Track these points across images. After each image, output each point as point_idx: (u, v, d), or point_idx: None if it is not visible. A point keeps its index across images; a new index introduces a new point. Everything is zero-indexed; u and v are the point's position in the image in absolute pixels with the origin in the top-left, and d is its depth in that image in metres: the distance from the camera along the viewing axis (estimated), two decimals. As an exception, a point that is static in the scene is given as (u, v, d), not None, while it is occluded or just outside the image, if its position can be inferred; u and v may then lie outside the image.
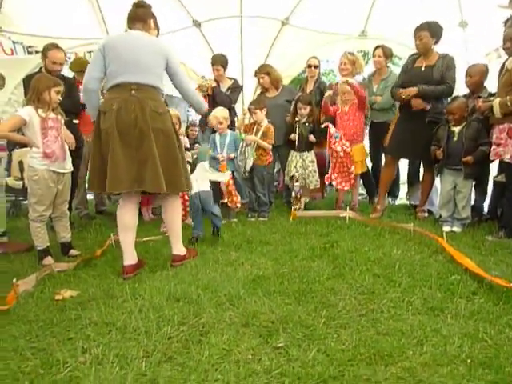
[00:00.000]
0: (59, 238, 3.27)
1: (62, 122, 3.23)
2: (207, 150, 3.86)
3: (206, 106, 3.30)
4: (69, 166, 3.23)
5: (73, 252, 3.27)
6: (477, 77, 3.71)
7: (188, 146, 4.30)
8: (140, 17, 2.78)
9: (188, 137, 6.17)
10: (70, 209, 3.79)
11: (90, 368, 1.63)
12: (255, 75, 4.85)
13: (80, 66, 4.39)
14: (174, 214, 2.87)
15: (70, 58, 5.10)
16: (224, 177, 3.81)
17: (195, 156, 5.85)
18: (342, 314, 2.02)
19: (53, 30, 5.06)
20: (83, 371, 1.61)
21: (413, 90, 3.79)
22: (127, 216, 2.77)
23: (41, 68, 4.01)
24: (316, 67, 4.98)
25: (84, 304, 2.24)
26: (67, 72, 4.51)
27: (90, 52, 5.63)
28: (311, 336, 1.82)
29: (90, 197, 5.01)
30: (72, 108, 3.93)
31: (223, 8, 5.77)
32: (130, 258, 2.74)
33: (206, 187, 3.43)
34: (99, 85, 2.79)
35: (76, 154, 3.80)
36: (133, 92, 2.61)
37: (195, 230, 3.48)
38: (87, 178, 2.82)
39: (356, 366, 1.59)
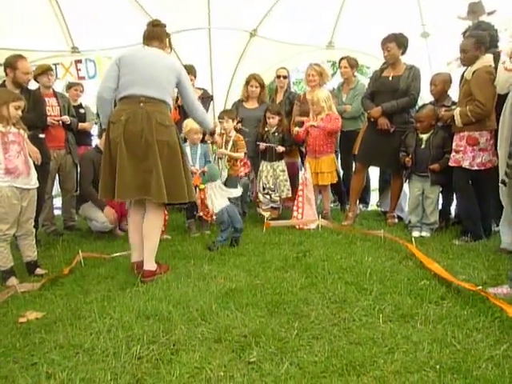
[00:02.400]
0: (24, 258, 3.14)
1: (25, 136, 3.12)
2: (217, 169, 3.82)
3: (212, 124, 3.39)
4: (34, 182, 3.12)
5: (39, 271, 3.14)
6: (440, 86, 3.84)
7: None
8: (157, 35, 2.94)
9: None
10: (36, 226, 3.67)
11: (54, 395, 1.56)
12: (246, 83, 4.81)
13: (41, 67, 4.31)
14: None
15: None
16: (238, 192, 3.83)
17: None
18: (314, 325, 2.03)
19: (15, 42, 4.91)
20: (47, 399, 1.54)
21: (378, 111, 3.91)
22: (137, 222, 2.92)
23: (4, 81, 3.87)
24: (285, 77, 5.04)
25: (49, 326, 2.15)
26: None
27: (55, 65, 5.51)
28: (284, 349, 1.81)
29: (57, 212, 4.86)
30: (37, 122, 3.81)
31: (191, 19, 5.76)
32: (137, 255, 2.92)
33: (227, 202, 3.58)
34: (112, 95, 2.88)
35: (42, 169, 3.69)
36: (141, 104, 2.73)
37: (221, 240, 3.51)
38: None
39: (328, 378, 1.59)
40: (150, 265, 2.84)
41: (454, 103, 3.83)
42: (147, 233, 2.86)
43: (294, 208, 4.23)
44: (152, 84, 2.78)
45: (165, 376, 1.65)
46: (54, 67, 5.35)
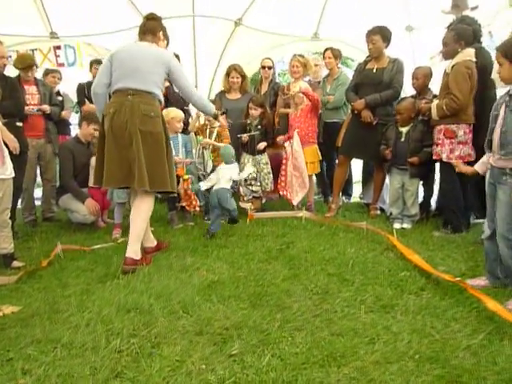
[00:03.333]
0: (0, 250, 3.05)
1: (0, 124, 3.02)
2: (232, 152, 3.81)
3: (212, 108, 3.36)
4: (9, 172, 3.03)
5: (16, 263, 3.06)
6: (421, 79, 3.87)
7: None
8: (150, 29, 3.02)
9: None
10: (13, 217, 3.56)
11: (30, 391, 1.53)
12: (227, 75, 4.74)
13: (24, 62, 4.15)
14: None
15: (10, 57, 4.81)
16: (249, 170, 3.95)
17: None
18: (296, 316, 2.03)
19: (-10, 27, 4.73)
20: (22, 395, 1.51)
21: (361, 103, 3.92)
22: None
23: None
24: (270, 68, 5.00)
25: (26, 320, 2.10)
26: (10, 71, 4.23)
27: (32, 50, 5.33)
28: (266, 341, 1.81)
29: (37, 203, 4.74)
30: (14, 110, 3.68)
31: (175, 7, 5.63)
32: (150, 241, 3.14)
33: (226, 185, 3.61)
34: (106, 89, 3.01)
35: (20, 159, 3.58)
36: (129, 97, 2.83)
37: (212, 225, 3.54)
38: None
39: (309, 369, 1.59)
40: (132, 252, 2.84)
41: (435, 96, 3.86)
42: (133, 219, 2.95)
43: (282, 184, 4.25)
44: (138, 76, 2.86)
45: (145, 369, 1.63)
46: (31, 52, 5.20)
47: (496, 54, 2.23)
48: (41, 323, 2.04)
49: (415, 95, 4.00)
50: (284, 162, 4.23)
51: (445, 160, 3.35)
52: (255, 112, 4.34)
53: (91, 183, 3.08)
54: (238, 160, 4.48)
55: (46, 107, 4.29)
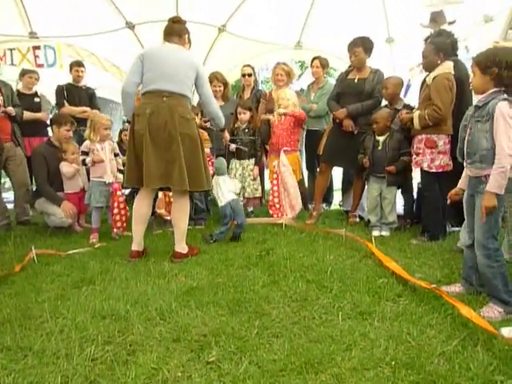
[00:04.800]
0: (-29, 254, 2.95)
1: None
2: (224, 163, 3.83)
3: (223, 121, 3.47)
4: None
5: (-13, 268, 2.96)
6: (391, 89, 3.93)
7: (117, 151, 4.10)
8: (176, 32, 3.11)
9: (122, 141, 5.92)
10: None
11: (-2, 400, 1.47)
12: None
13: None
14: (182, 214, 3.12)
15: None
16: (238, 186, 3.94)
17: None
18: (275, 323, 2.02)
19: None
20: (-10, 405, 1.45)
21: (342, 112, 3.98)
22: (144, 208, 3.13)
23: None
24: (250, 75, 5.04)
25: (-4, 327, 2.02)
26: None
27: (10, 50, 5.22)
28: (244, 348, 1.79)
29: (10, 206, 4.60)
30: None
31: (158, 11, 5.61)
32: (137, 245, 3.12)
33: (234, 196, 3.68)
34: (136, 89, 3.08)
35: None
36: (164, 99, 2.91)
37: (219, 234, 3.57)
38: (125, 172, 3.15)
39: (287, 377, 1.59)
40: (180, 247, 3.09)
41: (405, 106, 3.95)
42: (175, 219, 3.13)
43: (270, 203, 4.26)
44: (173, 79, 2.95)
45: (120, 378, 1.59)
46: (9, 52, 5.08)
47: (471, 64, 2.30)
48: (12, 330, 1.97)
49: (386, 105, 4.08)
50: (275, 183, 4.23)
51: (425, 169, 3.42)
52: (244, 116, 4.37)
53: (125, 184, 3.19)
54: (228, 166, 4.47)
55: (11, 109, 4.18)
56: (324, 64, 5.03)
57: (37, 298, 2.38)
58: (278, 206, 4.25)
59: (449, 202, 2.53)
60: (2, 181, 4.79)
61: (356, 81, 4.09)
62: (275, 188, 4.24)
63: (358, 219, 4.36)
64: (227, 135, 4.03)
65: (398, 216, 4.02)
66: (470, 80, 2.42)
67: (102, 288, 2.51)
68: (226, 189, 3.65)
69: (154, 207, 3.96)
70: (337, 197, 5.44)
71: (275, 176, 4.23)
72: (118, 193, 3.71)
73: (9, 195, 5.21)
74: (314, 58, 5.08)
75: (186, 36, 3.19)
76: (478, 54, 2.25)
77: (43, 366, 1.68)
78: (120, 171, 3.99)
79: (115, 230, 3.74)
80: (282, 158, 4.19)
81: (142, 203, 3.12)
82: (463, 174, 2.40)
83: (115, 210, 3.70)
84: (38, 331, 1.96)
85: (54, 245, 3.54)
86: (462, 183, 2.40)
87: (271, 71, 5.02)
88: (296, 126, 4.43)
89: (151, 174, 2.91)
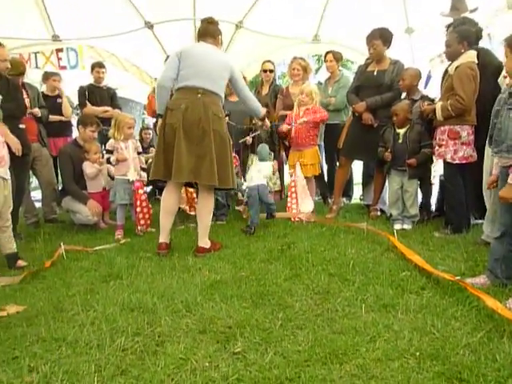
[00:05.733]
0: (5, 250, 3.07)
1: (4, 126, 3.05)
2: (267, 150, 4.05)
3: (263, 111, 3.61)
4: (8, 172, 3.05)
5: (20, 263, 3.08)
6: (408, 80, 3.85)
7: (141, 149, 4.19)
8: (211, 33, 3.21)
9: (142, 140, 6.03)
10: (15, 219, 3.59)
11: (36, 388, 1.55)
12: None
13: (17, 69, 4.12)
14: (206, 209, 3.19)
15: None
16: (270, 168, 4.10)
17: (150, 160, 5.73)
18: (298, 315, 2.05)
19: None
20: (29, 391, 1.53)
21: (362, 105, 3.95)
22: (171, 201, 3.19)
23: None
24: (271, 71, 5.05)
25: (31, 319, 2.12)
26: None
27: (35, 53, 5.37)
28: (268, 339, 1.83)
29: (38, 204, 4.77)
30: (17, 111, 3.71)
31: (176, 10, 5.69)
32: (165, 237, 3.18)
33: (263, 181, 3.85)
34: (171, 84, 3.13)
35: (23, 161, 3.62)
36: (199, 95, 3.00)
37: (253, 220, 3.70)
38: (152, 165, 3.18)
39: (312, 367, 1.62)
40: (203, 242, 3.15)
41: (423, 97, 3.88)
42: (199, 214, 3.22)
43: (288, 205, 4.26)
44: (209, 78, 3.04)
45: (150, 367, 1.65)
46: (33, 56, 5.23)
47: (504, 45, 2.24)
48: (46, 322, 2.06)
49: (404, 96, 4.02)
50: (293, 185, 4.25)
51: (448, 161, 3.37)
52: None
53: (151, 176, 3.18)
54: (245, 162, 4.52)
55: (37, 110, 4.28)
56: (338, 57, 5.01)
57: (67, 292, 2.47)
58: (294, 207, 4.24)
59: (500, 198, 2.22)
60: (30, 180, 4.95)
61: (375, 73, 4.04)
62: (292, 190, 4.24)
63: (379, 213, 4.33)
64: (268, 123, 4.06)
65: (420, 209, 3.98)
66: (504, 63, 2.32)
67: (129, 282, 2.59)
68: (259, 173, 3.83)
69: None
70: (357, 191, 5.41)
71: (292, 184, 4.23)
72: (140, 191, 3.80)
73: (37, 194, 5.39)
74: (328, 53, 5.05)
75: (220, 37, 3.28)
76: (509, 35, 2.18)
77: (77, 356, 1.76)
78: (143, 169, 4.09)
79: (139, 227, 3.83)
80: (296, 169, 4.22)
81: (170, 196, 3.17)
82: (495, 161, 2.34)
83: (138, 209, 3.79)
84: (70, 323, 2.05)
85: (81, 241, 3.66)
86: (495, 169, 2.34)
87: (287, 66, 5.02)
88: (316, 123, 4.42)
89: (181, 168, 2.96)
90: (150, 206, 3.97)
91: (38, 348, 1.83)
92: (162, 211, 3.19)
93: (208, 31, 3.20)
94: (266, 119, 3.91)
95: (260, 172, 3.91)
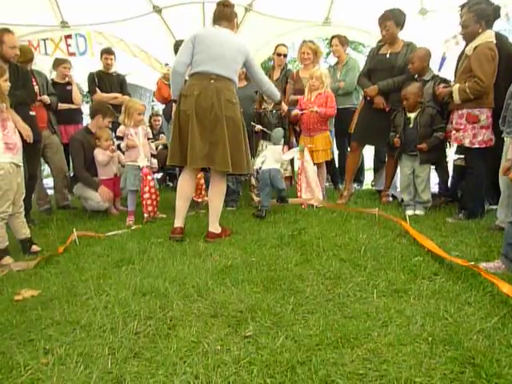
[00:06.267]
0: (20, 235, 3.12)
1: (15, 114, 3.07)
2: (281, 133, 4.05)
3: (278, 94, 3.62)
4: (21, 159, 3.08)
5: (35, 248, 3.14)
6: (417, 63, 3.74)
7: (151, 136, 4.19)
8: (227, 16, 3.16)
9: (152, 127, 6.03)
10: (28, 205, 3.64)
11: (52, 369, 1.58)
12: None
13: (25, 56, 4.12)
14: (218, 195, 3.20)
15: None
16: (292, 154, 4.16)
17: (160, 146, 5.74)
18: (309, 300, 2.05)
19: (2, 17, 4.75)
20: (46, 373, 1.56)
21: (374, 89, 3.87)
22: (187, 187, 3.21)
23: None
24: (285, 56, 4.99)
25: (46, 303, 2.15)
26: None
27: (44, 40, 5.36)
28: (279, 323, 1.83)
29: (50, 192, 4.82)
30: (27, 99, 3.73)
31: (184, -7, 5.61)
32: (180, 221, 3.18)
33: (276, 166, 3.86)
34: (186, 69, 3.12)
35: (34, 148, 3.64)
36: (212, 81, 2.99)
37: (264, 203, 3.73)
38: (168, 151, 3.21)
39: (323, 351, 1.61)
40: (214, 227, 3.16)
41: (435, 76, 3.78)
42: (211, 199, 3.22)
43: (298, 189, 4.24)
44: (222, 63, 3.02)
45: (162, 350, 1.67)
46: (43, 42, 5.22)
47: None
48: (60, 306, 2.10)
49: (415, 77, 3.91)
50: (298, 174, 4.24)
51: (467, 145, 3.30)
52: None
53: (168, 162, 3.18)
54: (256, 148, 4.49)
55: (46, 97, 4.28)
56: (343, 41, 4.99)
57: (81, 277, 2.50)
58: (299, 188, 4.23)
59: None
60: (42, 168, 5.00)
61: (388, 56, 3.95)
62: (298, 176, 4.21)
63: (391, 198, 4.29)
64: (285, 106, 4.05)
65: (433, 195, 3.92)
66: None
67: (140, 267, 2.61)
68: (272, 157, 3.83)
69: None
70: (368, 176, 5.35)
71: (300, 170, 4.20)
72: (148, 177, 3.80)
73: (49, 181, 5.45)
74: (333, 37, 5.01)
75: (235, 20, 3.24)
76: None
77: (91, 339, 1.78)
78: (153, 156, 4.09)
79: (145, 214, 3.83)
80: (305, 154, 4.17)
81: (186, 181, 3.19)
82: (510, 145, 2.29)
83: (146, 195, 3.79)
84: (83, 307, 2.08)
85: (93, 227, 3.70)
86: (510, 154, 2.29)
87: (297, 50, 4.94)
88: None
89: (196, 154, 2.97)
90: (158, 192, 3.98)
91: (52, 331, 1.86)
92: (178, 196, 3.20)
93: (223, 14, 3.15)
94: (283, 103, 3.88)
95: (273, 155, 3.90)
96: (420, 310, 1.90)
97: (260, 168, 3.95)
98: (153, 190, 3.83)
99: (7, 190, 2.86)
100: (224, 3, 3.19)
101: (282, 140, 4.09)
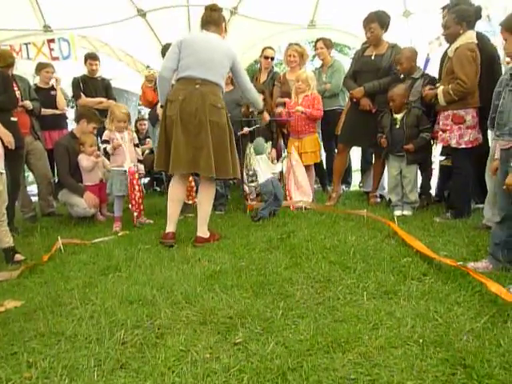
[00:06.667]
0: (2, 244, 3.04)
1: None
2: (263, 143, 4.03)
3: (261, 103, 3.63)
4: (2, 167, 3.00)
5: (18, 257, 3.05)
6: (405, 63, 3.77)
7: (137, 141, 4.14)
8: (215, 20, 3.14)
9: (138, 131, 5.97)
10: (11, 213, 3.55)
11: (36, 383, 1.53)
12: None
13: (5, 60, 4.01)
14: (207, 199, 3.18)
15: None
16: (278, 168, 4.18)
17: (147, 151, 5.68)
18: (299, 304, 2.03)
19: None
20: (29, 387, 1.51)
21: (360, 91, 3.88)
22: (178, 191, 3.19)
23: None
24: (272, 59, 5.00)
25: (29, 314, 2.10)
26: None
27: (26, 44, 5.27)
28: (269, 329, 1.81)
29: (34, 199, 4.72)
30: (8, 104, 3.65)
31: (169, -3, 5.58)
32: (172, 226, 3.15)
33: (272, 175, 3.88)
34: (172, 74, 3.12)
35: (16, 154, 3.56)
36: (197, 86, 2.97)
37: (263, 211, 3.71)
38: (155, 156, 3.22)
39: (314, 356, 1.59)
40: (202, 232, 3.13)
41: (424, 75, 3.81)
42: (199, 203, 3.20)
43: (287, 193, 4.22)
44: (208, 67, 3.00)
45: (150, 360, 1.63)
46: (25, 47, 5.13)
47: (501, 30, 2.19)
48: (44, 317, 2.04)
49: (403, 77, 3.93)
50: (286, 175, 4.23)
51: (453, 146, 3.32)
52: None
53: (155, 168, 3.20)
54: (244, 151, 4.46)
55: (28, 103, 4.18)
56: (328, 44, 5.03)
57: (66, 286, 2.45)
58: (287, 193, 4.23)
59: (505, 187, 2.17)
60: (26, 174, 4.90)
61: (373, 57, 3.98)
62: (286, 180, 4.21)
63: (379, 199, 4.31)
64: (266, 115, 4.02)
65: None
66: (503, 47, 2.28)
67: (127, 274, 2.56)
68: (265, 167, 3.85)
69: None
70: (356, 177, 5.37)
71: (285, 168, 4.21)
72: (136, 175, 3.77)
73: (33, 188, 5.34)
74: (318, 40, 5.04)
75: (224, 24, 3.22)
76: (505, 18, 2.14)
77: (76, 350, 1.73)
78: (140, 161, 4.03)
79: (135, 213, 3.79)
80: (294, 154, 4.18)
81: (176, 186, 3.17)
82: (493, 144, 2.30)
83: (133, 195, 3.75)
84: (69, 317, 2.02)
85: (78, 234, 3.63)
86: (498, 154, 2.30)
87: (283, 53, 4.95)
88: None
89: (179, 160, 2.96)
90: (144, 196, 3.94)
91: (36, 343, 1.81)
92: (170, 200, 3.17)
93: (211, 19, 3.14)
94: (265, 112, 3.87)
95: (264, 165, 3.91)
96: (410, 312, 1.90)
97: (257, 182, 3.98)
98: (137, 188, 3.78)
99: None
100: (211, 8, 3.18)
101: (266, 148, 4.06)
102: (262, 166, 3.87)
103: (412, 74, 3.83)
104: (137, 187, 3.78)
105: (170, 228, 3.14)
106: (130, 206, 3.82)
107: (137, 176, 3.79)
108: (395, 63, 3.84)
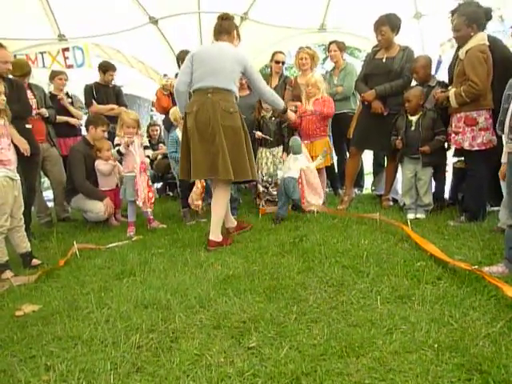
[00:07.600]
0: (20, 249, 3.11)
1: (9, 125, 3.07)
2: (300, 143, 4.06)
3: (282, 103, 3.61)
4: (16, 172, 3.07)
5: (35, 261, 3.13)
6: (421, 72, 3.78)
7: (148, 144, 4.20)
8: (226, 29, 3.23)
9: (150, 136, 6.03)
10: (28, 218, 3.62)
11: (54, 386, 1.56)
12: None
13: (22, 69, 4.12)
14: (220, 203, 3.22)
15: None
16: (318, 161, 4.15)
17: (159, 156, 5.74)
18: (312, 309, 2.03)
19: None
20: (47, 390, 1.54)
21: (371, 94, 3.88)
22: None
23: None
24: (283, 63, 5.03)
25: (47, 318, 2.14)
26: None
27: (41, 53, 5.38)
28: (283, 333, 1.81)
29: (50, 204, 4.81)
30: (22, 112, 3.72)
31: (181, 4, 5.64)
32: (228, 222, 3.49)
33: (294, 175, 3.90)
34: (187, 88, 3.24)
35: (31, 161, 3.63)
36: (209, 95, 3.07)
37: (280, 210, 3.82)
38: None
39: (328, 361, 1.59)
40: (214, 236, 3.17)
41: (439, 82, 3.79)
42: (213, 207, 3.24)
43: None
44: (219, 74, 3.08)
45: (165, 364, 1.65)
46: (40, 56, 5.24)
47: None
48: (61, 321, 2.08)
49: (418, 84, 3.92)
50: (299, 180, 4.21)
51: (467, 148, 3.29)
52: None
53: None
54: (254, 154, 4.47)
55: (44, 111, 4.28)
56: (341, 47, 5.04)
57: (82, 290, 2.49)
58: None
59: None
60: (42, 180, 5.00)
61: (384, 60, 3.96)
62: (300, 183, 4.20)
63: (391, 203, 4.27)
64: (291, 114, 4.02)
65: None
66: None
67: (142, 279, 2.59)
68: (292, 167, 3.93)
69: (186, 200, 4.05)
70: (368, 181, 5.34)
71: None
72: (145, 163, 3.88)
73: (48, 194, 5.44)
74: (331, 43, 5.06)
75: (235, 32, 3.28)
76: None
77: (93, 354, 1.76)
78: (147, 156, 4.07)
79: (144, 207, 3.83)
80: (303, 158, 4.15)
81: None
82: (504, 150, 2.28)
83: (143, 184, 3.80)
84: (85, 321, 2.06)
85: (93, 239, 3.69)
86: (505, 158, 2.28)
87: (294, 57, 4.97)
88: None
89: (199, 167, 3.06)
90: (157, 196, 3.97)
91: (54, 347, 1.85)
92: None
93: (223, 28, 3.22)
94: (289, 111, 3.88)
95: (294, 165, 3.95)
96: (425, 316, 1.88)
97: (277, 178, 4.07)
98: (144, 175, 3.82)
99: (2, 204, 2.86)
100: (223, 17, 3.26)
101: (303, 148, 4.09)
102: (292, 166, 3.93)
103: (428, 81, 3.82)
104: (143, 176, 3.81)
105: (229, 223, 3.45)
106: (136, 200, 3.82)
107: (147, 161, 3.90)
108: (411, 72, 3.83)
